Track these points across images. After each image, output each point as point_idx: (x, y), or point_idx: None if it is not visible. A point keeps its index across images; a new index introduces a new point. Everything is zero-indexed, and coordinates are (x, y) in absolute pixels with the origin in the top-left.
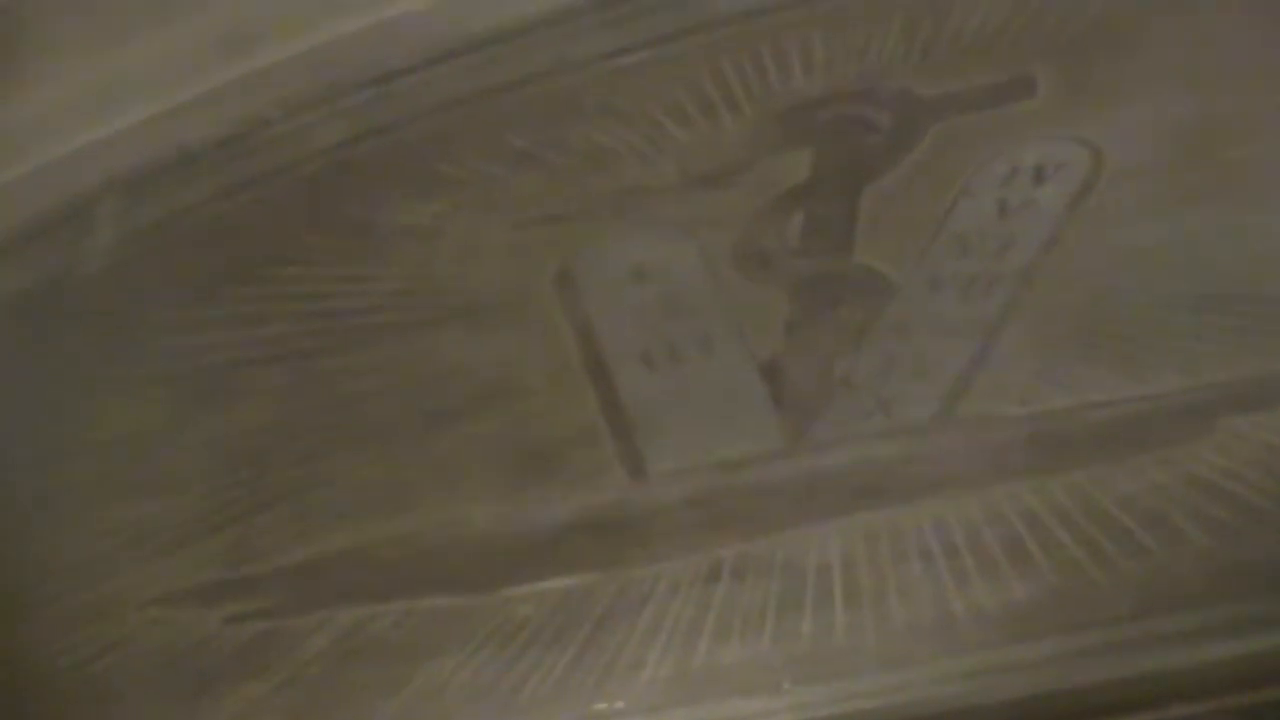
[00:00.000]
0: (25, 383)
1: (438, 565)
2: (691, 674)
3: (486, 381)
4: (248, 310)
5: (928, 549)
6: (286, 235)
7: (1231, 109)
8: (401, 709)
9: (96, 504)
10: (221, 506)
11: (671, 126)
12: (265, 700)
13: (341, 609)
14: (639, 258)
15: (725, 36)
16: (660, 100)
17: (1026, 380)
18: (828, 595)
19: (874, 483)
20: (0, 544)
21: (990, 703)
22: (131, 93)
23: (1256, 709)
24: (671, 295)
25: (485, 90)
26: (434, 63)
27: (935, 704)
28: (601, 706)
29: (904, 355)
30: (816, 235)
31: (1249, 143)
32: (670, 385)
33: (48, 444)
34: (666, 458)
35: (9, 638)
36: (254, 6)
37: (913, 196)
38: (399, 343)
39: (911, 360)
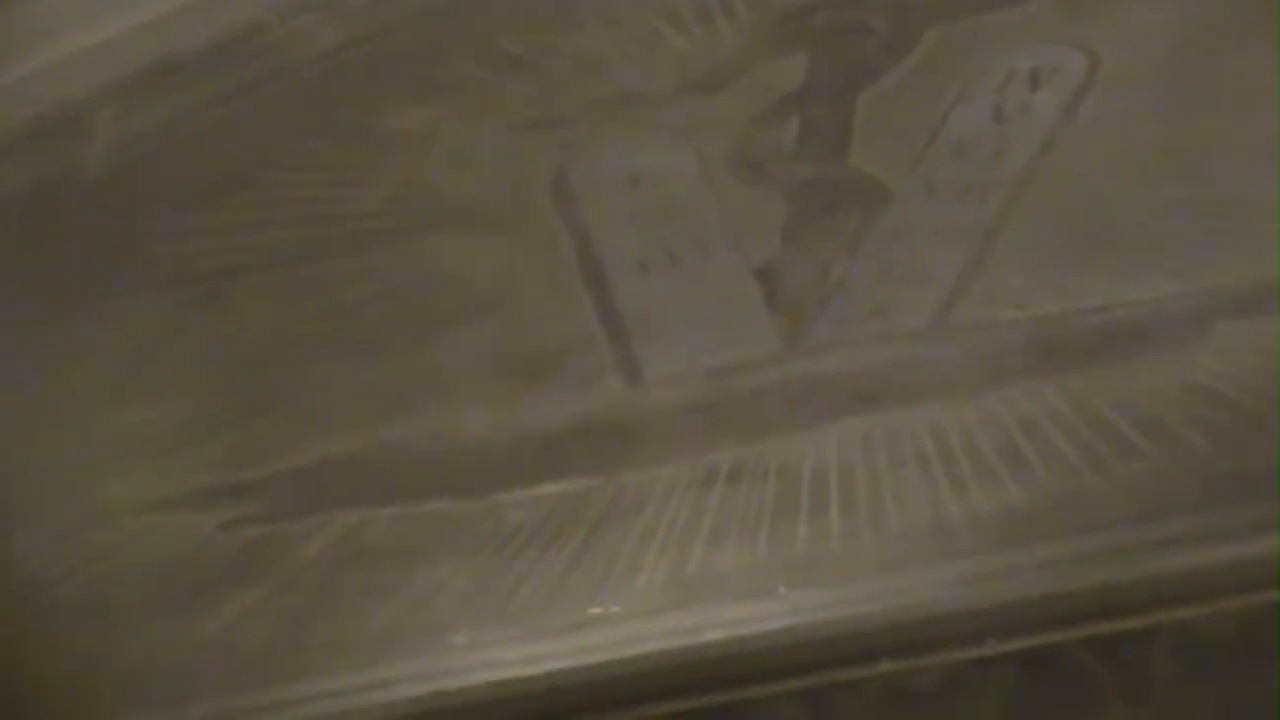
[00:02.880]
0: (21, 288)
1: (433, 470)
2: (687, 578)
3: (482, 288)
4: (243, 217)
5: (924, 453)
6: (282, 141)
7: (1225, 14)
8: (397, 613)
9: (92, 411)
10: (218, 412)
11: (668, 32)
12: (261, 605)
13: (337, 514)
14: (635, 163)
15: None
16: (656, 5)
17: (1022, 285)
18: (823, 500)
19: (870, 387)
20: None
21: (986, 606)
22: None
23: (1253, 613)
24: (667, 201)
25: None
26: None
27: (931, 608)
28: (596, 611)
29: (900, 260)
30: (812, 141)
31: (1244, 48)
32: (666, 291)
33: (43, 351)
34: (662, 363)
35: (4, 545)
36: None
37: (908, 102)
38: (395, 249)
39: (907, 265)
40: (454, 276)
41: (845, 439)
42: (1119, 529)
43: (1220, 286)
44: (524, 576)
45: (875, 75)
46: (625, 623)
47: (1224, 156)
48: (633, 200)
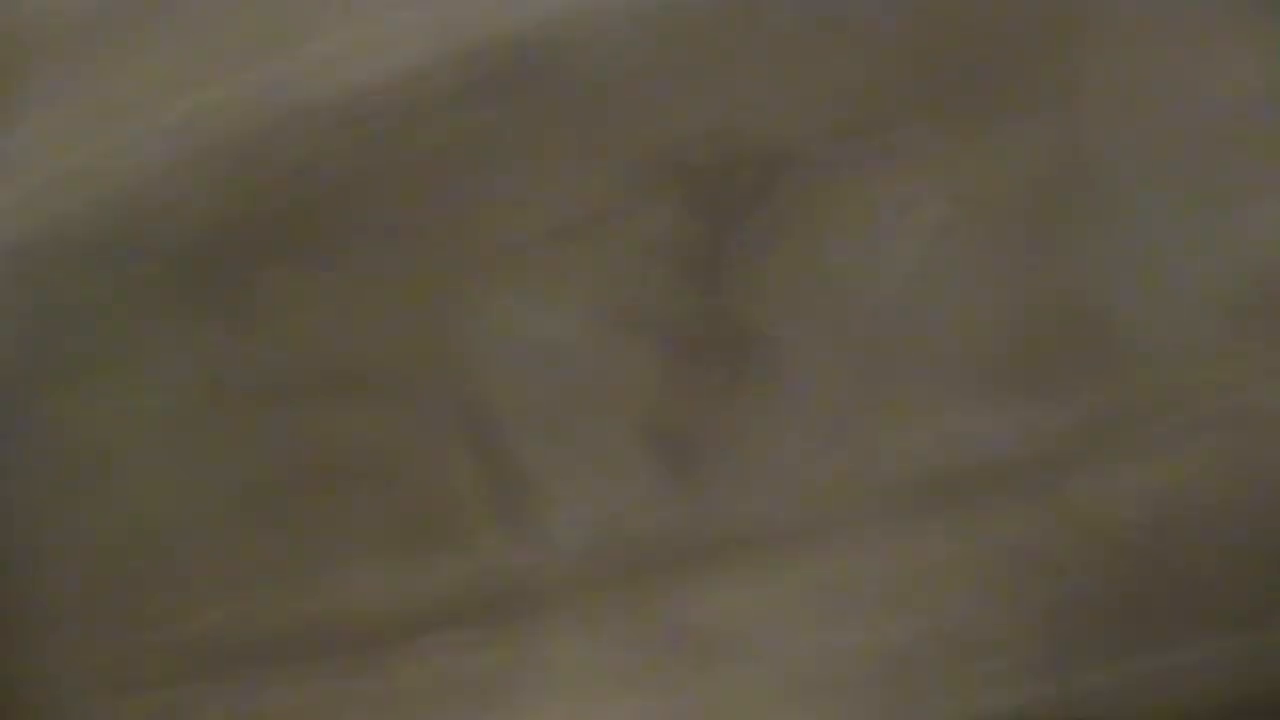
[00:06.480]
0: None
1: (323, 634)
2: None
3: (369, 450)
4: (129, 389)
5: (825, 585)
6: (162, 312)
7: None
8: None
9: None
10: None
11: (540, 181)
12: None
13: (227, 681)
14: (512, 318)
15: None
16: (528, 151)
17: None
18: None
19: (762, 535)
20: None
21: None
22: None
23: None
24: (548, 355)
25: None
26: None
27: None
28: None
29: (783, 404)
30: (687, 285)
31: None
32: (550, 446)
33: None
34: (551, 519)
35: None
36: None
37: (783, 240)
38: (280, 415)
39: (791, 409)
40: (340, 440)
41: (740, 586)
42: None
43: None
44: None
45: (748, 215)
46: None
47: None
48: (513, 356)
